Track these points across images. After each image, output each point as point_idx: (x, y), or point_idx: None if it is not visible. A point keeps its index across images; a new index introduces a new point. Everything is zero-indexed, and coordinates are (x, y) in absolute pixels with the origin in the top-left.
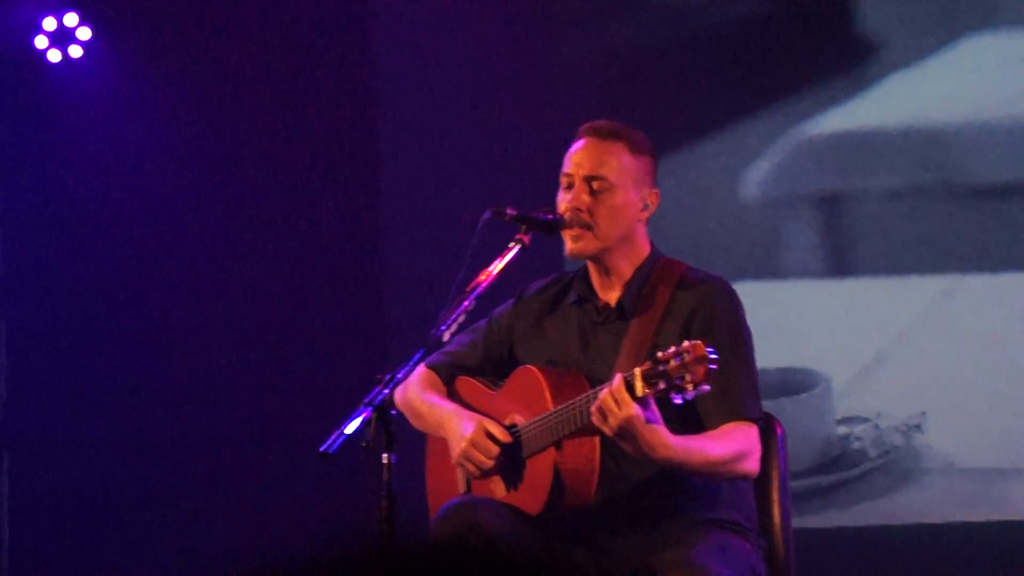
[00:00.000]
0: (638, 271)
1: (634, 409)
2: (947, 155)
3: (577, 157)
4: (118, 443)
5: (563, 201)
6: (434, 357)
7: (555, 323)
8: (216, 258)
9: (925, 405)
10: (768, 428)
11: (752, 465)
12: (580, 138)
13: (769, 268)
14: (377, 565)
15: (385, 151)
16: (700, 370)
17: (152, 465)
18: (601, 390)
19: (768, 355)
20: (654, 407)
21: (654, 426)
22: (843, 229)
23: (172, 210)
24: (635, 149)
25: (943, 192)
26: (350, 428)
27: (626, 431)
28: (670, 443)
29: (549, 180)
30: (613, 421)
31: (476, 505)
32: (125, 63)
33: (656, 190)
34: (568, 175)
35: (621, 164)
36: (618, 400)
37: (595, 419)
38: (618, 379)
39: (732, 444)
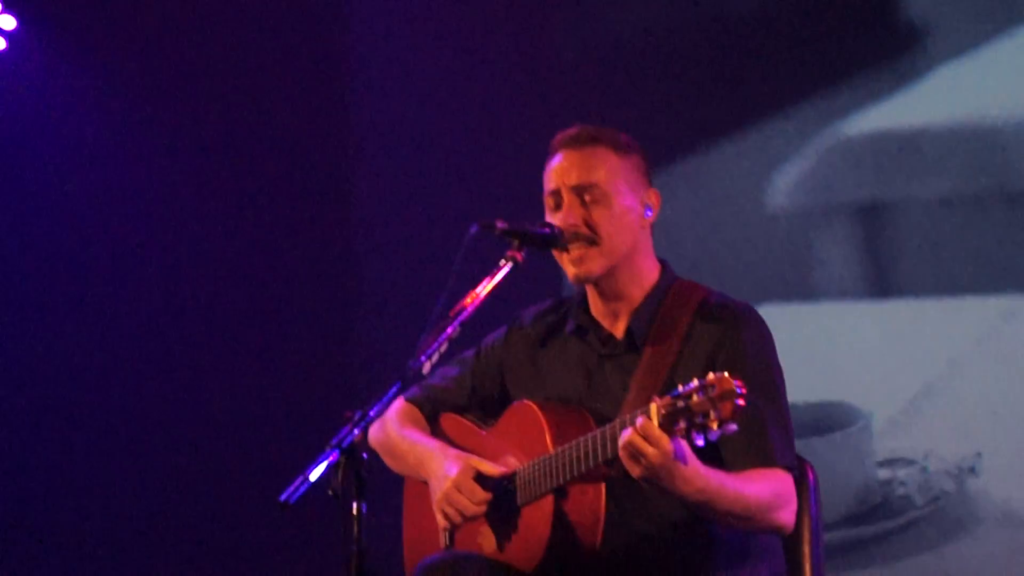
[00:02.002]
0: (649, 296)
1: (671, 446)
2: (1006, 157)
3: (560, 171)
4: (69, 479)
5: (555, 221)
6: (414, 391)
7: (553, 356)
8: (164, 277)
9: (980, 445)
10: (799, 472)
11: (787, 517)
12: (556, 152)
13: (800, 288)
14: None
15: (358, 160)
16: (727, 406)
17: (103, 511)
18: (616, 431)
19: (799, 388)
20: (682, 442)
21: (687, 459)
22: (885, 243)
23: (103, 213)
24: (620, 149)
25: (1001, 199)
26: (315, 474)
27: (659, 473)
28: (703, 473)
29: (538, 194)
30: (646, 464)
31: (460, 562)
32: (54, 54)
33: (654, 190)
34: (554, 193)
35: (609, 168)
36: (649, 437)
37: (625, 450)
38: (643, 418)
39: (769, 488)
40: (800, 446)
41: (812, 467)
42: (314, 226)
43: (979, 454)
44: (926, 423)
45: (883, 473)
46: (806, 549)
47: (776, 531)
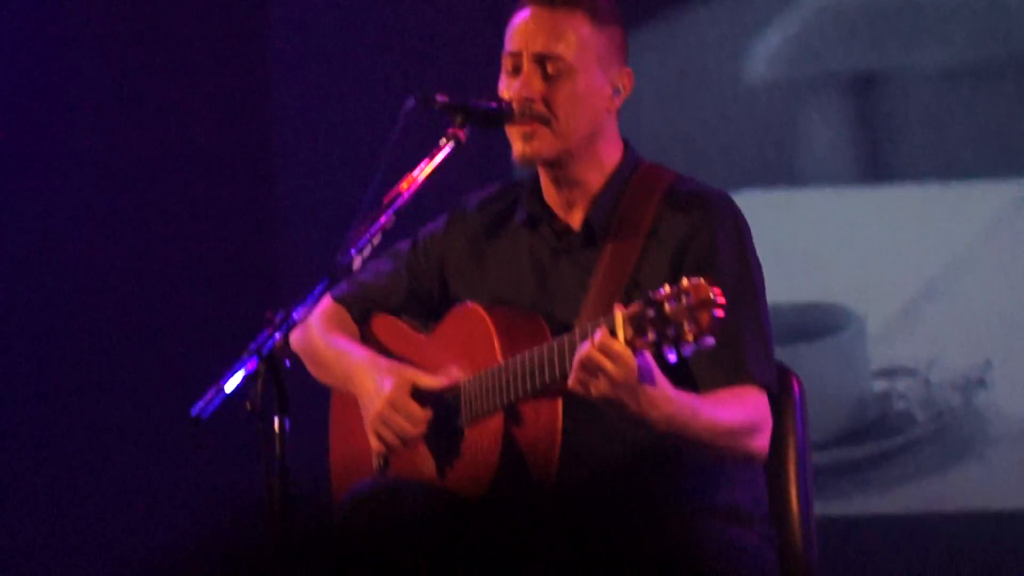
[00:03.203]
0: (610, 182)
1: (636, 362)
2: (1018, 23)
3: (523, 32)
4: None
5: (508, 89)
6: (342, 288)
7: (500, 250)
8: (71, 172)
9: (991, 352)
10: (782, 384)
11: (761, 443)
12: (524, 7)
13: (784, 172)
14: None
15: (273, 20)
16: (704, 317)
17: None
18: (575, 341)
19: (783, 287)
20: (649, 358)
21: (654, 379)
22: (881, 120)
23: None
24: (598, 18)
25: (1013, 70)
26: (230, 384)
27: (621, 395)
28: (672, 396)
29: (488, 64)
30: (604, 382)
31: (397, 491)
32: None
33: (628, 69)
34: (513, 55)
35: (581, 39)
36: (611, 352)
37: (576, 380)
38: (602, 330)
39: (743, 412)
40: (784, 353)
41: (798, 378)
42: (227, 99)
43: (989, 363)
44: (928, 328)
45: (880, 385)
46: (791, 472)
47: (748, 459)
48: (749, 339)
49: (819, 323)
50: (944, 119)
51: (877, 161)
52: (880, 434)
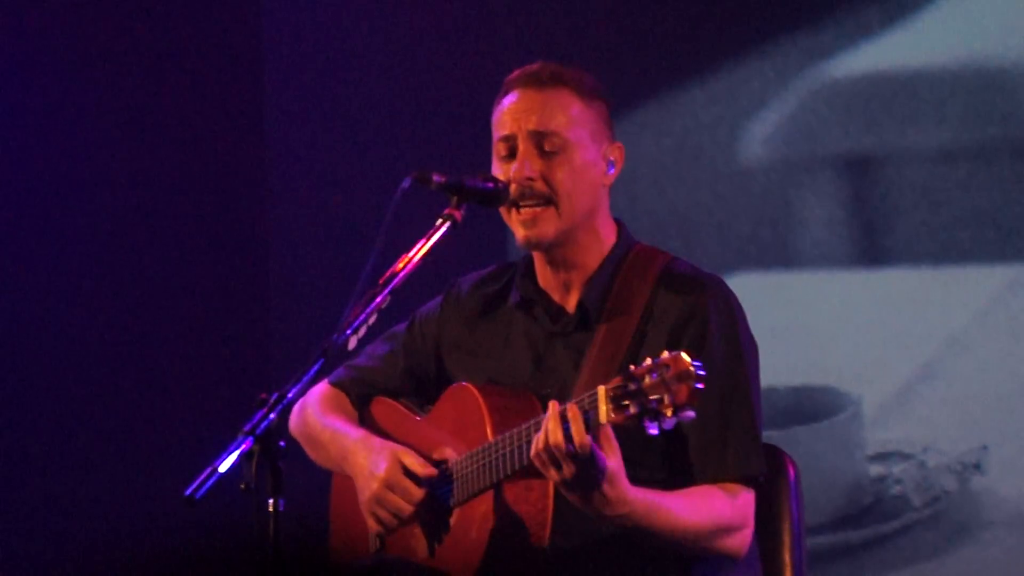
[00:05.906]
0: (604, 263)
1: (591, 446)
2: (1014, 102)
3: (515, 113)
4: None
5: (504, 173)
6: (340, 372)
7: (495, 332)
8: (55, 246)
9: (986, 437)
10: (776, 467)
11: (736, 542)
12: (511, 91)
13: (779, 254)
14: None
15: (271, 102)
16: (683, 389)
17: None
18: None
19: (778, 370)
20: (615, 444)
21: (613, 473)
22: (876, 202)
23: (21, 195)
24: (585, 94)
25: (1009, 152)
26: (225, 465)
27: (580, 477)
28: (628, 496)
29: (481, 145)
30: (567, 466)
31: (389, 570)
32: None
33: (618, 143)
34: (507, 138)
35: (572, 115)
36: (571, 434)
37: (536, 460)
38: (569, 407)
39: (713, 513)
40: (780, 436)
41: (793, 461)
42: (223, 177)
43: (984, 447)
44: (924, 411)
45: (875, 469)
46: (786, 556)
47: (721, 558)
48: (735, 434)
49: (815, 405)
50: (940, 201)
51: (872, 243)
52: (876, 518)
